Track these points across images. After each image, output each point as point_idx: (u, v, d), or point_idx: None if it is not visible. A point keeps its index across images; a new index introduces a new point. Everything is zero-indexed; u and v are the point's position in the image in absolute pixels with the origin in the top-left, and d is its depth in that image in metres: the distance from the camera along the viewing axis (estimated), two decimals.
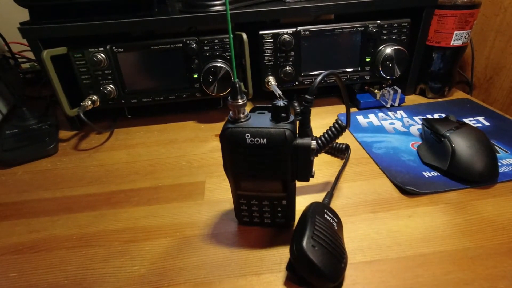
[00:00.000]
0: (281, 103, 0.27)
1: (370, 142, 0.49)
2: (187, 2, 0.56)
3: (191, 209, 0.39)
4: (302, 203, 0.34)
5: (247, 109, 0.29)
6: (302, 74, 0.58)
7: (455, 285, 0.28)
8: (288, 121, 0.28)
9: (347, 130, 0.38)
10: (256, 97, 0.63)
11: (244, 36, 0.54)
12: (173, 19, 0.53)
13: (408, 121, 0.54)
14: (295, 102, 0.59)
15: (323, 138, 0.34)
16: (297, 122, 0.29)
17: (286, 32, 0.55)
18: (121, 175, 0.46)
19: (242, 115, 0.28)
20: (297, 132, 0.28)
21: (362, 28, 0.56)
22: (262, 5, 0.57)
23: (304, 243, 0.27)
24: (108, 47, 0.52)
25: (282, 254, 0.32)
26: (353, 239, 0.33)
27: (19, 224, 0.39)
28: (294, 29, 0.55)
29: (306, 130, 0.28)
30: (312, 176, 0.30)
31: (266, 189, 0.31)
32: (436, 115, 0.55)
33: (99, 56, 0.52)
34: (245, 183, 0.31)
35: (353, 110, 0.61)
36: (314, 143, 0.28)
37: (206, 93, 0.57)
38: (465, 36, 0.57)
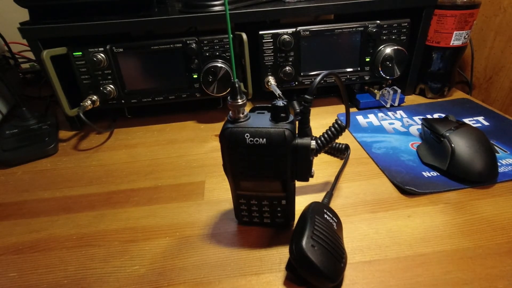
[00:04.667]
0: (280, 103, 0.27)
1: (370, 142, 0.49)
2: (187, 2, 0.56)
3: (190, 209, 0.39)
4: (301, 203, 0.34)
5: (247, 109, 0.29)
6: (301, 74, 0.59)
7: (454, 284, 0.28)
8: (287, 121, 0.28)
9: (346, 130, 0.38)
10: (256, 97, 0.63)
11: (244, 36, 0.54)
12: (173, 19, 0.53)
13: (407, 121, 0.54)
14: (295, 102, 0.59)
15: (322, 138, 0.34)
16: (297, 122, 0.29)
17: (285, 32, 0.55)
18: (121, 175, 0.46)
19: (241, 115, 0.28)
20: (297, 132, 0.29)
21: (362, 28, 0.56)
22: (262, 5, 0.57)
23: (304, 243, 0.27)
24: (108, 47, 0.52)
25: (281, 254, 0.32)
26: (352, 239, 0.33)
27: (19, 224, 0.39)
28: (294, 29, 0.55)
29: (305, 130, 0.28)
30: (312, 176, 0.30)
31: (266, 189, 0.31)
32: (435, 115, 0.55)
33: (99, 56, 0.52)
34: (244, 183, 0.31)
35: (352, 110, 0.61)
36: (313, 143, 0.28)
37: (206, 93, 0.57)
38: (464, 36, 0.57)
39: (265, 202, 0.33)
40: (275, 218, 0.34)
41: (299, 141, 0.28)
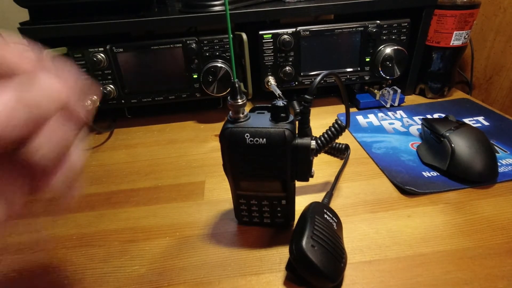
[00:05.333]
0: (280, 103, 0.27)
1: (370, 142, 0.49)
2: (187, 2, 0.56)
3: (190, 209, 0.39)
4: (301, 203, 0.34)
5: (247, 109, 0.29)
6: (301, 74, 0.59)
7: (454, 284, 0.28)
8: (287, 121, 0.28)
9: (346, 130, 0.38)
10: (256, 97, 0.63)
11: (244, 36, 0.54)
12: (173, 19, 0.53)
13: (407, 121, 0.54)
14: (295, 102, 0.59)
15: (322, 138, 0.34)
16: (297, 122, 0.29)
17: (285, 32, 0.55)
18: (121, 175, 0.46)
19: (241, 115, 0.28)
20: (297, 132, 0.29)
21: (362, 28, 0.56)
22: (262, 5, 0.57)
23: (304, 243, 0.27)
24: (108, 47, 0.52)
25: (281, 254, 0.32)
26: (352, 239, 0.33)
27: (18, 224, 0.39)
28: (294, 29, 0.55)
29: (305, 130, 0.28)
30: (312, 176, 0.30)
31: (266, 189, 0.31)
32: (435, 115, 0.55)
33: (99, 56, 0.52)
34: (244, 183, 0.31)
35: (352, 110, 0.61)
36: (313, 143, 0.28)
37: (206, 93, 0.57)
38: (464, 36, 0.57)
39: (265, 202, 0.33)
40: (275, 218, 0.34)
41: (299, 141, 0.27)
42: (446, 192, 0.38)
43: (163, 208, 0.39)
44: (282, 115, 0.27)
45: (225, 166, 0.30)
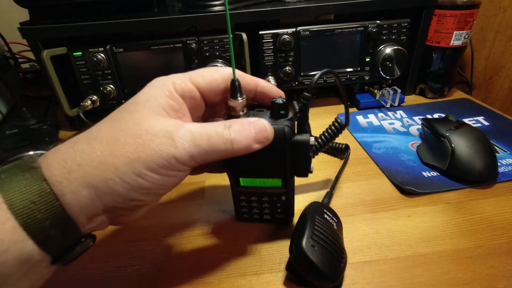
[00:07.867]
0: (280, 100, 0.27)
1: (370, 142, 0.49)
2: (187, 2, 0.56)
3: (190, 208, 0.39)
4: (301, 203, 0.34)
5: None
6: (301, 74, 0.59)
7: (454, 284, 0.28)
8: (287, 118, 0.28)
9: (346, 129, 0.38)
10: None
11: (244, 36, 0.54)
12: (173, 19, 0.53)
13: (407, 121, 0.54)
14: (295, 102, 0.59)
15: (323, 137, 0.34)
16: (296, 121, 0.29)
17: (286, 32, 0.55)
18: None
19: (241, 113, 0.28)
20: (296, 129, 0.29)
21: (362, 28, 0.56)
22: (262, 5, 0.57)
23: (304, 242, 0.27)
24: (108, 47, 0.52)
25: (281, 254, 0.32)
26: (352, 239, 0.33)
27: None
28: (294, 29, 0.55)
29: (304, 127, 0.29)
30: (311, 172, 0.30)
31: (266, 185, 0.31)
32: (435, 115, 0.55)
33: (99, 56, 0.52)
34: (244, 179, 0.31)
35: (352, 110, 0.61)
36: (312, 138, 0.28)
37: None
38: (464, 36, 0.57)
39: (265, 198, 0.33)
40: (275, 214, 0.34)
41: (298, 137, 0.28)
42: (446, 192, 0.38)
43: (163, 208, 0.39)
44: (282, 112, 0.27)
45: (224, 163, 0.30)
